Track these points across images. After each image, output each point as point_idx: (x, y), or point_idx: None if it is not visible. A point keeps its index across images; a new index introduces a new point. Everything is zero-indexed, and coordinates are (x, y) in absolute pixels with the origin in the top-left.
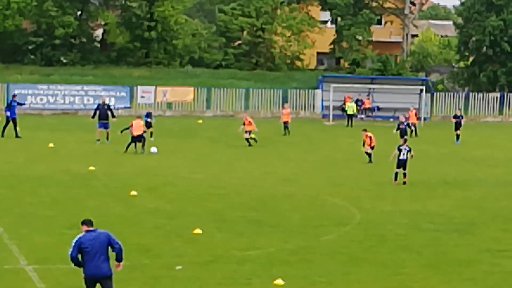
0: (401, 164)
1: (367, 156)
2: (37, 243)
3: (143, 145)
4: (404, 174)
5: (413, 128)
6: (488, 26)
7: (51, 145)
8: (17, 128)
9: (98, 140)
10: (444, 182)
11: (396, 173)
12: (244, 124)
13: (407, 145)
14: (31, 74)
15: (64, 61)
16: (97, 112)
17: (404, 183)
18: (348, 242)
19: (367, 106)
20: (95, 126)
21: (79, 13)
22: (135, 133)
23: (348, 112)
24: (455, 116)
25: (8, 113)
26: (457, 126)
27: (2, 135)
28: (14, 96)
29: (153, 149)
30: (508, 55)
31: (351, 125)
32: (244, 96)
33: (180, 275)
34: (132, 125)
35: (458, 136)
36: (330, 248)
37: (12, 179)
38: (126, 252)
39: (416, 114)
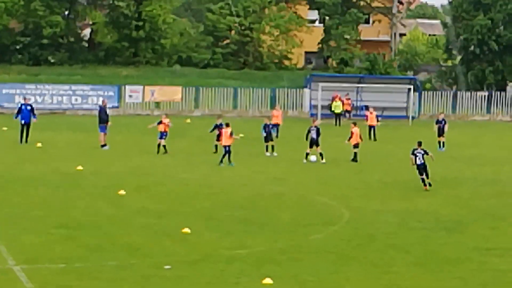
0: (421, 169)
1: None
2: (25, 243)
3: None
4: (424, 180)
5: (372, 130)
6: (476, 25)
7: (39, 145)
8: (28, 134)
9: (105, 145)
10: (432, 181)
11: (423, 179)
12: (160, 123)
13: (421, 149)
14: (19, 74)
15: (52, 60)
16: (103, 116)
17: (430, 184)
18: (337, 241)
19: (346, 108)
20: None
21: (66, 12)
22: (223, 144)
23: (336, 111)
24: (438, 121)
25: (21, 120)
26: (440, 132)
27: (20, 141)
28: (24, 99)
29: (313, 158)
30: (495, 54)
31: (339, 124)
32: (233, 96)
33: (169, 275)
34: (221, 134)
35: (442, 143)
36: (319, 247)
37: (0, 179)
38: (115, 252)
39: (375, 116)
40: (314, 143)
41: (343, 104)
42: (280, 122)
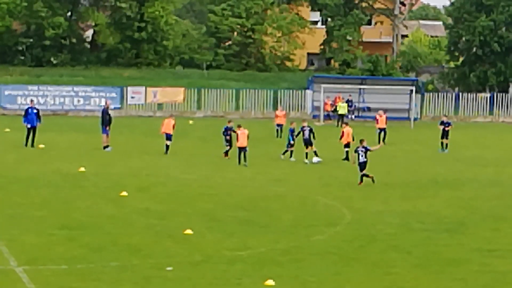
0: (362, 166)
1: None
2: (27, 244)
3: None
4: (366, 175)
5: (383, 133)
6: (478, 26)
7: (41, 146)
8: (34, 138)
9: (108, 146)
10: (434, 182)
11: (363, 175)
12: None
13: (363, 146)
14: (21, 75)
15: (54, 62)
16: (104, 117)
17: (373, 180)
18: (338, 242)
19: (328, 109)
20: (102, 132)
21: (69, 13)
22: (238, 145)
23: (340, 112)
24: (442, 123)
25: (27, 124)
26: (444, 134)
27: (26, 144)
28: (31, 101)
29: (316, 159)
30: (498, 55)
31: (341, 125)
32: (235, 97)
33: (171, 276)
34: (238, 136)
35: (446, 145)
36: (320, 248)
37: (2, 180)
38: (116, 253)
39: (386, 118)
40: (307, 142)
41: (325, 104)
42: (283, 122)
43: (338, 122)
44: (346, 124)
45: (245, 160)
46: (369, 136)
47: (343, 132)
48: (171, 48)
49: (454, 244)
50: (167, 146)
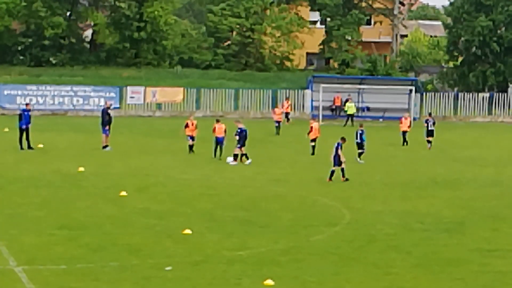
0: (335, 161)
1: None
2: (26, 244)
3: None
4: (334, 172)
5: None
6: (477, 26)
7: (40, 145)
8: (29, 139)
9: (107, 146)
10: (433, 182)
11: (333, 171)
12: (186, 126)
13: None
14: (20, 74)
15: (54, 61)
16: (104, 118)
17: (344, 176)
18: (338, 242)
19: (287, 110)
20: (103, 132)
21: (68, 13)
22: (218, 135)
23: (349, 112)
24: (426, 121)
25: (22, 125)
26: (429, 132)
27: (21, 147)
28: (27, 104)
29: (229, 159)
30: (497, 55)
31: (352, 125)
32: (234, 97)
33: (170, 276)
34: (215, 129)
35: (429, 142)
36: (320, 248)
37: (2, 179)
38: (116, 253)
39: (410, 122)
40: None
41: (288, 107)
42: (281, 119)
43: (346, 122)
44: (314, 119)
45: (220, 154)
46: (369, 136)
47: (311, 127)
48: (170, 48)
49: (454, 244)
50: (190, 146)
